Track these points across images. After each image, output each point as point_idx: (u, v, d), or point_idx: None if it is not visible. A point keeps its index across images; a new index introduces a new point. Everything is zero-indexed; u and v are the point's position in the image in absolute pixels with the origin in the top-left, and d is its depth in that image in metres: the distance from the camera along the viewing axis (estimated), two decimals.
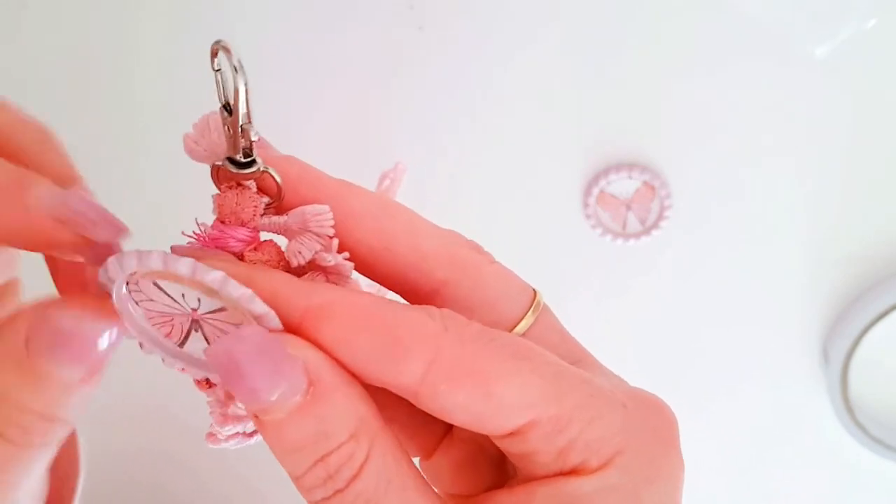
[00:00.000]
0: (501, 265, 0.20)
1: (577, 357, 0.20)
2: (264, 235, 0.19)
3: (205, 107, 0.19)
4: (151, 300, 0.18)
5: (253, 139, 0.18)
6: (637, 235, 0.47)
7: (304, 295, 0.17)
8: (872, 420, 0.47)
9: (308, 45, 0.47)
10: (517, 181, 0.48)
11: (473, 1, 0.46)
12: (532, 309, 0.19)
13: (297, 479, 0.17)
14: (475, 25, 0.47)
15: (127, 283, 0.17)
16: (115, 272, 0.17)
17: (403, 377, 0.17)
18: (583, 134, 0.47)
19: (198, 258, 0.17)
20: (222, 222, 0.19)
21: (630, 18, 0.46)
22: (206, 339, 0.18)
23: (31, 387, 0.16)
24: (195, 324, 0.18)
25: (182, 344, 0.18)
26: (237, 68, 0.17)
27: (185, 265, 0.16)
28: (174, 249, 0.18)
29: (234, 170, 0.18)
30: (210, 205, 0.19)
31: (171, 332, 0.18)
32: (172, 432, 0.51)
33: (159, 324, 0.18)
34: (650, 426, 0.18)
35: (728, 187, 0.47)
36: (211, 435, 0.20)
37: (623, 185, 0.47)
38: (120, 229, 0.17)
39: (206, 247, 0.18)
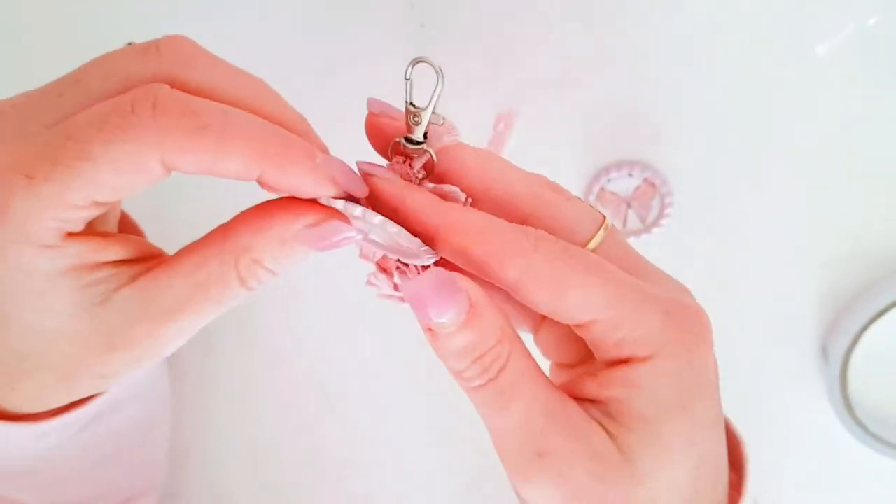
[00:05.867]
0: (577, 199, 0.26)
1: (637, 267, 0.26)
2: None
3: None
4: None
5: (440, 123, 0.25)
6: (638, 233, 0.47)
7: (443, 211, 0.24)
8: (872, 417, 0.47)
9: (309, 43, 0.47)
10: None
11: None
12: (602, 229, 0.25)
13: (458, 373, 0.23)
14: (476, 23, 0.47)
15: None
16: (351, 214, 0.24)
17: (506, 278, 0.23)
18: (583, 132, 0.47)
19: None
20: None
21: (630, 17, 0.46)
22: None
23: (273, 250, 0.23)
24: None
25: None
26: (439, 74, 0.24)
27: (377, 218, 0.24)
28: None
29: (408, 146, 0.25)
30: None
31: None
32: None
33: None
34: (688, 327, 0.24)
35: (728, 185, 0.47)
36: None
37: (623, 183, 0.47)
38: (363, 187, 0.25)
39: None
